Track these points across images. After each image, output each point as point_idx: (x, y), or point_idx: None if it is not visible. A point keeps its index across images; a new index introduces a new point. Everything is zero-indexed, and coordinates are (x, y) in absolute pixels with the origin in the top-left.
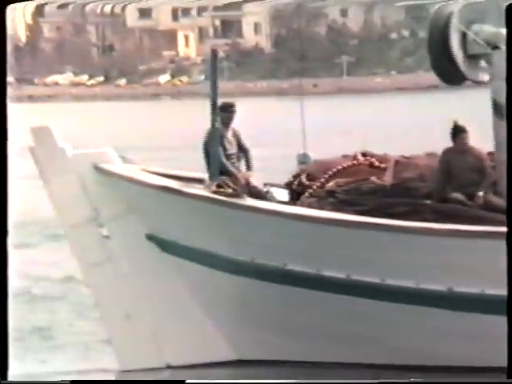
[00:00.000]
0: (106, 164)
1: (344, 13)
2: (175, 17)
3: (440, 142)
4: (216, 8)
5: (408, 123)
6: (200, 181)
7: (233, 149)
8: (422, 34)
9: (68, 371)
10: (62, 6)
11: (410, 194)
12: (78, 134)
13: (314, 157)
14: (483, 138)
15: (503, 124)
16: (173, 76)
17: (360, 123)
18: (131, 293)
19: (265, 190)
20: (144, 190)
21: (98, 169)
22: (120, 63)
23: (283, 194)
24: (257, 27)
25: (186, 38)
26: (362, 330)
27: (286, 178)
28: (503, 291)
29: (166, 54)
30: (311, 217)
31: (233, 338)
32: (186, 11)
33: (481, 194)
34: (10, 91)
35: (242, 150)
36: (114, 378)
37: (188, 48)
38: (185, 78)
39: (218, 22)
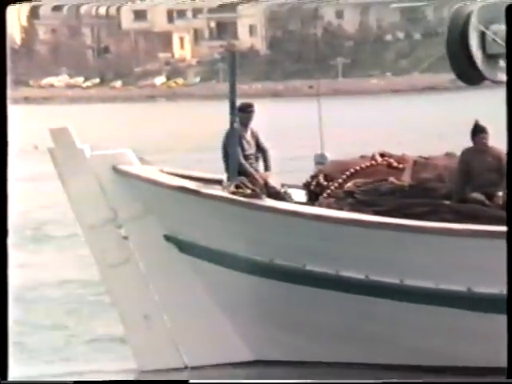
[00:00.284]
0: (124, 165)
1: (339, 14)
2: (170, 19)
3: (436, 142)
4: (211, 10)
5: (403, 124)
6: (218, 182)
7: (251, 149)
8: (417, 36)
9: (84, 371)
10: (56, 8)
11: (429, 195)
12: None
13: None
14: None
15: None
16: (168, 78)
17: (355, 124)
18: (149, 293)
19: (282, 190)
20: (162, 191)
21: (117, 170)
22: (115, 65)
23: (300, 195)
24: (252, 29)
25: (181, 39)
26: (381, 331)
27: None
28: None
29: (162, 55)
30: (330, 217)
31: (251, 338)
32: (182, 13)
33: (500, 194)
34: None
35: (261, 151)
36: (132, 378)
37: (183, 50)
38: (180, 80)
39: (213, 24)
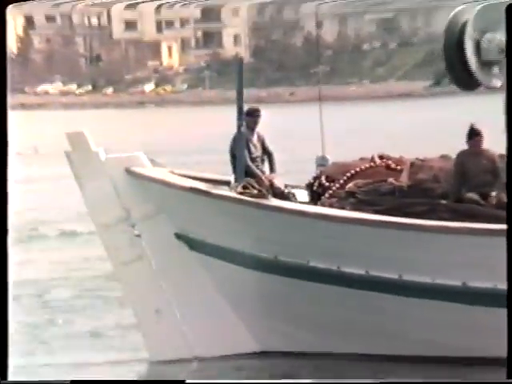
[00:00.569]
0: (137, 167)
1: (319, 25)
2: (159, 29)
3: (412, 146)
4: (197, 20)
5: (380, 129)
6: (226, 183)
7: (257, 152)
8: (393, 45)
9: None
10: (51, 19)
11: (426, 195)
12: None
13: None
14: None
15: None
16: (157, 85)
17: (334, 129)
18: (161, 289)
19: (286, 191)
20: (173, 192)
21: (130, 172)
22: (107, 73)
23: (303, 195)
24: (236, 38)
25: (170, 48)
26: (380, 323)
27: None
28: None
29: (151, 64)
30: (333, 216)
31: (257, 330)
32: (170, 23)
33: (494, 193)
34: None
35: (266, 153)
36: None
37: (171, 58)
38: (168, 87)
39: (199, 34)
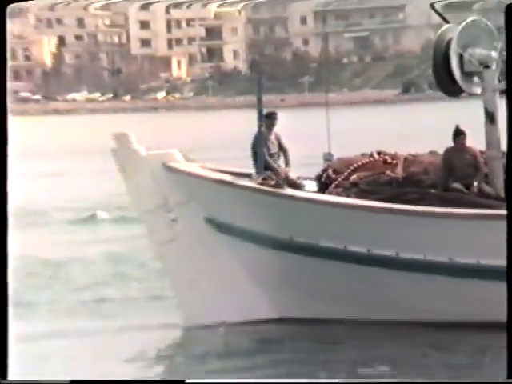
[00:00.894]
0: (173, 162)
1: (305, 42)
2: (170, 45)
3: (386, 144)
4: (202, 38)
5: (357, 131)
6: (248, 175)
7: (274, 149)
8: (368, 59)
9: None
10: (79, 38)
11: (418, 185)
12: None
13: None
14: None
15: (493, 128)
16: (168, 93)
17: (319, 131)
18: (193, 265)
19: (299, 181)
20: (203, 183)
21: (166, 166)
22: (125, 83)
23: (312, 186)
24: (235, 54)
25: (179, 62)
26: (380, 294)
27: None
28: (496, 261)
29: (162, 75)
30: (340, 203)
31: (275, 300)
32: (179, 41)
33: (476, 184)
34: (38, 107)
35: (282, 150)
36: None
37: (180, 70)
38: (177, 95)
39: (204, 50)
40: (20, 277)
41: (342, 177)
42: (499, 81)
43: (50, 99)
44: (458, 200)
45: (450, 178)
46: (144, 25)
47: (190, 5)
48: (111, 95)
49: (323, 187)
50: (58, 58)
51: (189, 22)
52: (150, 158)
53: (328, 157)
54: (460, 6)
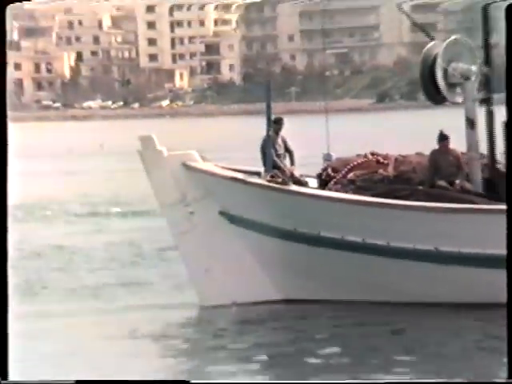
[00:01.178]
0: (191, 162)
1: (293, 57)
2: (174, 60)
3: (364, 147)
4: (202, 53)
5: (338, 135)
6: (257, 173)
7: (281, 150)
8: (347, 72)
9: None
10: (94, 54)
11: (408, 182)
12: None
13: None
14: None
15: (473, 132)
16: (171, 101)
17: (305, 135)
18: (208, 252)
19: (302, 179)
20: (218, 180)
21: (186, 165)
22: (134, 92)
23: (313, 183)
24: (231, 67)
25: (181, 74)
26: (374, 279)
27: None
28: (475, 250)
29: (167, 85)
30: (339, 198)
31: (280, 283)
32: (182, 56)
33: (458, 182)
34: (58, 113)
35: (288, 151)
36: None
37: (182, 81)
38: (180, 103)
39: (204, 63)
40: (36, 259)
41: (340, 175)
42: (478, 91)
43: (69, 107)
44: (442, 196)
45: (436, 177)
46: (151, 42)
47: (190, 23)
48: (122, 103)
49: (323, 184)
50: (75, 70)
51: (190, 39)
52: (171, 157)
53: (327, 157)
54: (426, 6)
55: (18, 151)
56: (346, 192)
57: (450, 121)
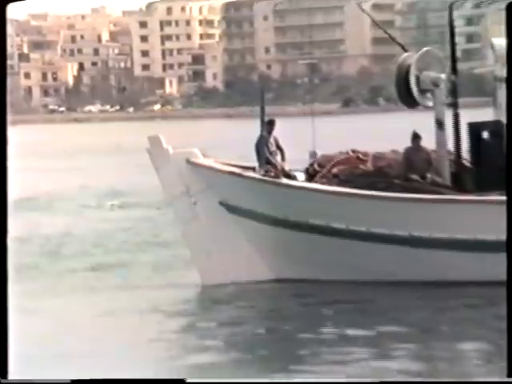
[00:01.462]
0: (194, 158)
1: (269, 67)
2: (164, 69)
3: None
4: (189, 63)
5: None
6: (253, 168)
7: (273, 148)
8: (316, 80)
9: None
10: (94, 64)
11: (385, 176)
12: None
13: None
14: None
15: (442, 133)
16: (162, 105)
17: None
18: (209, 238)
19: (292, 173)
20: (218, 174)
21: (189, 161)
22: (129, 98)
23: (301, 176)
24: (215, 75)
25: (171, 82)
26: (355, 261)
27: None
28: (445, 235)
29: (158, 92)
30: (325, 190)
31: (273, 265)
32: (171, 66)
33: (429, 175)
34: (62, 116)
35: (279, 149)
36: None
37: (171, 88)
38: (169, 107)
39: (190, 72)
40: (47, 243)
41: (325, 170)
42: (446, 96)
43: (72, 110)
44: (416, 188)
45: (409, 171)
46: (144, 53)
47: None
48: (118, 107)
49: (310, 177)
50: (77, 79)
51: (179, 51)
52: (176, 155)
53: (313, 154)
54: (384, 6)
55: (28, 149)
56: (331, 184)
57: (401, 124)
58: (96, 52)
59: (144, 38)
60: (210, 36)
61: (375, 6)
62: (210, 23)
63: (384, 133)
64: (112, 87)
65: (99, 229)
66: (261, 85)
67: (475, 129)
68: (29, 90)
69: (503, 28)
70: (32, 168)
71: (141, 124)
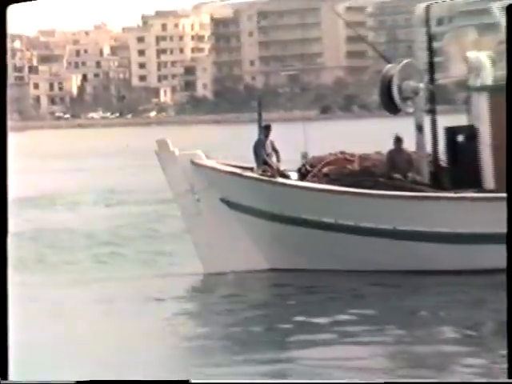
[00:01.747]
0: (198, 159)
1: (253, 78)
2: (159, 80)
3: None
4: (181, 75)
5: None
6: (251, 169)
7: (269, 150)
8: (297, 90)
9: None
10: (97, 75)
11: (370, 175)
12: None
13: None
14: None
15: (421, 136)
16: (157, 112)
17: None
18: (211, 232)
19: (286, 173)
20: (219, 174)
21: (193, 162)
22: (128, 106)
23: (294, 175)
24: (205, 86)
25: (165, 91)
26: (343, 252)
27: None
28: (426, 228)
29: (154, 100)
30: (316, 188)
31: (269, 257)
32: (165, 77)
33: (410, 175)
34: (68, 123)
35: (275, 151)
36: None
37: (166, 97)
38: (164, 114)
39: (183, 83)
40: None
41: (316, 169)
42: (425, 104)
43: (76, 117)
44: (398, 186)
45: (392, 171)
46: (141, 65)
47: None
48: (118, 114)
49: (302, 177)
50: (81, 88)
51: (172, 63)
52: (181, 156)
53: (305, 155)
54: (357, 9)
55: (36, 151)
56: (321, 183)
57: (373, 129)
58: (98, 64)
59: (141, 52)
60: (200, 50)
61: (349, 24)
62: (200, 38)
63: (357, 136)
64: (112, 96)
65: (101, 221)
66: (258, 95)
67: (451, 133)
68: (37, 98)
69: (462, 43)
70: (40, 169)
71: (139, 129)
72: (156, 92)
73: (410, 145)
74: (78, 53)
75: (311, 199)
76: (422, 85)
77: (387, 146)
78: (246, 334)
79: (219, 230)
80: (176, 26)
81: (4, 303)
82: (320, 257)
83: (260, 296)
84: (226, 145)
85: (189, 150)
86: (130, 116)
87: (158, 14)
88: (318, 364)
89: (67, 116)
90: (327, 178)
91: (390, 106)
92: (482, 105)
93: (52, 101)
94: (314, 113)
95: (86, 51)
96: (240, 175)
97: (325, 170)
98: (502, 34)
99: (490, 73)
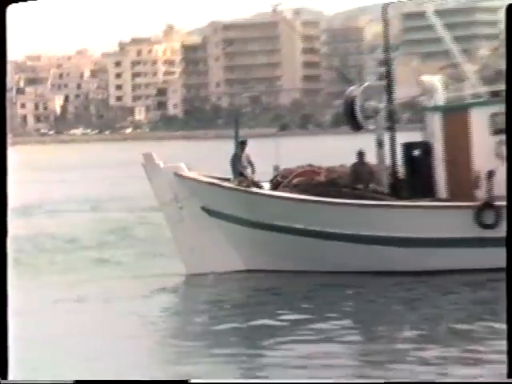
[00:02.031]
0: (180, 171)
1: (219, 98)
2: (134, 100)
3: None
4: (154, 95)
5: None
6: (228, 179)
7: (245, 163)
8: (258, 110)
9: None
10: (77, 96)
11: (336, 186)
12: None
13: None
14: None
15: (381, 150)
16: (133, 129)
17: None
18: (193, 237)
19: (260, 183)
20: (200, 184)
21: (176, 174)
22: (106, 123)
23: (267, 186)
24: (175, 105)
25: (140, 110)
26: (311, 254)
27: None
28: (387, 233)
29: (129, 118)
30: (287, 197)
31: (246, 259)
32: (139, 97)
33: (371, 185)
34: (52, 139)
35: (250, 164)
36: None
37: (140, 115)
38: (139, 130)
39: (155, 103)
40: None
41: (287, 180)
42: (385, 121)
43: (59, 134)
44: (361, 195)
45: (356, 182)
46: (118, 87)
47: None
48: (97, 131)
49: (275, 187)
50: (64, 108)
51: (146, 85)
52: (165, 168)
53: (276, 168)
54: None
55: (24, 164)
56: (292, 192)
57: (326, 145)
58: (79, 86)
59: (118, 75)
60: (171, 73)
61: (305, 49)
62: (171, 63)
63: (310, 151)
64: (92, 115)
65: (83, 227)
66: (235, 114)
67: (408, 148)
68: (24, 117)
69: (406, 69)
70: (28, 180)
71: (116, 144)
72: (131, 111)
73: (371, 159)
74: (61, 76)
75: (283, 207)
76: (381, 105)
77: (340, 159)
78: None
79: (200, 235)
80: (150, 51)
81: (4, 303)
82: (292, 259)
83: (238, 296)
84: (193, 157)
85: (162, 161)
86: (108, 132)
87: (134, 41)
88: None
89: (51, 133)
90: (297, 188)
91: (353, 123)
92: (435, 123)
93: (37, 119)
94: (273, 130)
95: (68, 74)
96: (219, 185)
97: (295, 181)
98: (445, 61)
99: (442, 95)
